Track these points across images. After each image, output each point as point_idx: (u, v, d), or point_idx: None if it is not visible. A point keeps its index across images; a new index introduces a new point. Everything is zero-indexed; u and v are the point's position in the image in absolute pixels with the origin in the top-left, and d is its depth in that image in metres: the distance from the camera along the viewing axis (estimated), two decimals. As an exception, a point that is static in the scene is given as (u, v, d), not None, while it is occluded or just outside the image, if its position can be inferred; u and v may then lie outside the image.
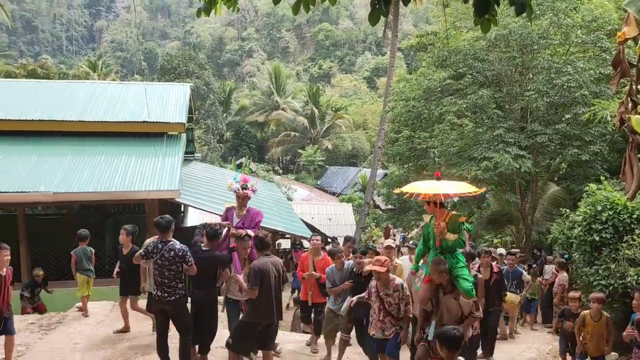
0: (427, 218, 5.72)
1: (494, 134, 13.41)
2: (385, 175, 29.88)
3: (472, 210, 16.24)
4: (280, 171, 49.86)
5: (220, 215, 7.87)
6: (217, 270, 6.41)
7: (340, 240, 17.30)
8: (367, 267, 6.22)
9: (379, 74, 66.25)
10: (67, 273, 11.83)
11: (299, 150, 48.95)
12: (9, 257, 6.45)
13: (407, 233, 24.79)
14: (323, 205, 30.67)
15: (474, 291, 5.31)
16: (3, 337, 6.55)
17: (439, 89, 15.91)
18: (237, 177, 7.27)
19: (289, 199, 28.96)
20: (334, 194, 41.35)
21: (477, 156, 13.52)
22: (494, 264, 8.14)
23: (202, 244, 6.35)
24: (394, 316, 5.83)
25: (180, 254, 5.96)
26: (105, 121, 13.51)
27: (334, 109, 52.37)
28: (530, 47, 13.94)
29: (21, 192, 10.94)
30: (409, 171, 20.49)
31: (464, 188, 5.59)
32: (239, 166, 40.17)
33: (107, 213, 16.89)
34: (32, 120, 13.05)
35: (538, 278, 11.43)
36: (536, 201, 15.01)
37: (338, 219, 27.87)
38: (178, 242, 6.13)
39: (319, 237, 8.01)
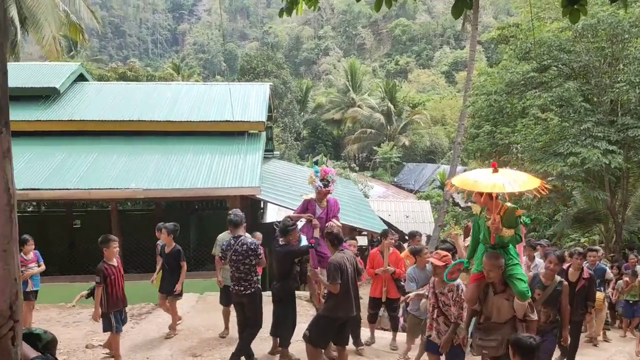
0: (476, 209, 5.22)
1: (581, 128, 12.83)
2: (465, 171, 29.18)
3: (557, 207, 15.61)
4: (357, 168, 49.81)
5: (294, 210, 8.02)
6: (294, 263, 6.63)
7: (423, 238, 17.16)
8: (429, 260, 5.95)
9: (458, 68, 64.74)
10: (155, 266, 12.49)
11: (375, 147, 48.71)
12: (118, 248, 6.85)
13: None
14: (400, 203, 30.39)
15: (529, 292, 4.84)
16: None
17: (522, 82, 15.39)
18: (318, 169, 7.39)
19: (366, 196, 28.93)
20: (411, 191, 40.87)
21: (563, 152, 12.99)
22: (585, 267, 7.64)
23: (280, 239, 6.56)
24: (448, 317, 5.45)
25: (252, 247, 6.32)
26: (190, 121, 14.07)
27: (411, 105, 51.72)
28: (621, 36, 13.21)
29: (114, 188, 11.64)
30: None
31: (527, 182, 4.88)
32: (316, 163, 40.54)
33: (192, 209, 17.60)
34: (124, 120, 13.81)
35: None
36: (627, 198, 14.24)
37: (416, 216, 27.52)
38: (249, 237, 6.52)
39: (396, 236, 8.01)
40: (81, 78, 16.26)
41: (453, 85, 63.30)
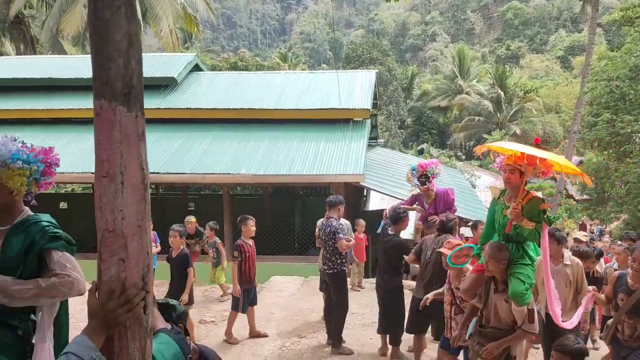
0: (495, 192, 4.65)
1: None
2: (581, 162, 27.46)
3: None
4: (463, 157, 48.49)
5: (403, 201, 7.91)
6: (401, 257, 6.37)
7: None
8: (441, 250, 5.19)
9: (574, 53, 60.86)
10: (262, 249, 12.94)
11: (484, 136, 47.08)
12: (255, 227, 7.07)
13: (604, 226, 22.64)
14: (509, 193, 29.17)
15: (528, 298, 4.03)
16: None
17: (649, 66, 14.19)
18: (414, 166, 7.07)
19: (473, 186, 28.09)
20: (521, 181, 39.11)
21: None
22: None
23: (390, 228, 6.46)
24: None
25: (333, 230, 6.48)
26: (298, 109, 14.36)
27: (522, 92, 49.36)
28: None
29: (226, 173, 12.18)
30: (609, 158, 18.61)
31: (569, 165, 4.29)
32: (420, 152, 39.94)
33: (297, 194, 18.03)
34: (235, 108, 14.37)
35: None
36: None
37: (526, 207, 26.31)
38: (335, 220, 6.59)
39: None
40: (196, 68, 17.08)
41: (569, 71, 59.64)
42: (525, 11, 79.74)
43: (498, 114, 47.79)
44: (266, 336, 7.24)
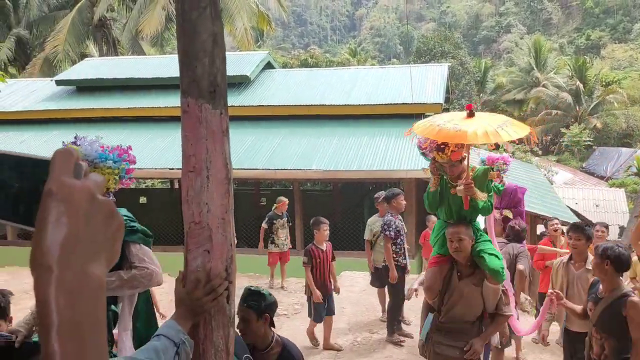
0: (430, 174, 4.18)
1: None
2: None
3: None
4: (540, 152, 46.69)
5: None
6: None
7: (613, 229, 15.62)
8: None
9: (662, 41, 57.33)
10: (337, 244, 13.04)
11: (562, 130, 45.17)
12: (328, 232, 6.87)
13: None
14: (589, 190, 27.93)
15: (504, 274, 3.79)
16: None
17: None
18: (484, 157, 6.90)
19: (550, 182, 27.07)
20: (602, 177, 37.30)
21: None
22: None
23: None
24: None
25: (384, 226, 6.94)
26: (368, 104, 14.33)
27: (604, 83, 46.93)
28: None
29: (297, 169, 12.35)
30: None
31: (515, 126, 4.00)
32: (496, 147, 38.84)
33: (366, 190, 18.00)
34: (306, 105, 14.53)
35: None
36: None
37: (607, 205, 25.11)
38: (389, 215, 6.99)
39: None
40: (268, 66, 17.38)
41: (656, 61, 56.22)
42: (607, -1, 75.84)
43: (577, 107, 45.67)
44: (341, 350, 6.89)
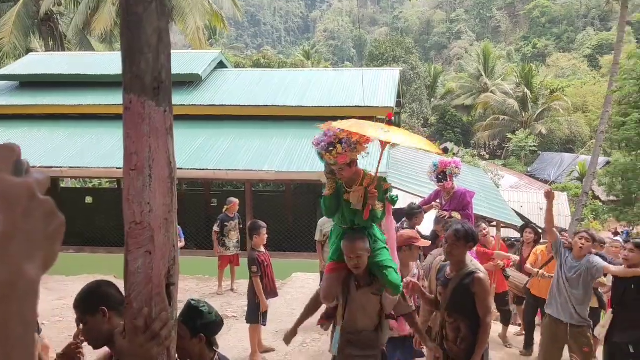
0: (330, 185, 3.96)
1: None
2: (608, 163, 27.04)
3: None
4: (487, 156, 47.98)
5: (423, 198, 7.91)
6: None
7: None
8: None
9: (603, 52, 59.75)
10: (284, 245, 13.00)
11: (509, 135, 46.52)
12: (267, 235, 6.66)
13: (631, 228, 22.23)
14: (534, 194, 28.80)
15: (401, 286, 3.76)
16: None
17: (681, 65, 13.90)
18: (436, 161, 6.98)
19: (496, 185, 27.81)
20: (546, 182, 38.60)
21: None
22: None
23: (406, 224, 6.48)
24: None
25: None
26: (321, 106, 14.36)
27: (549, 91, 48.63)
28: None
29: (249, 170, 12.26)
30: (637, 159, 18.29)
31: (422, 141, 4.22)
32: (445, 151, 39.63)
33: (319, 192, 18.03)
34: (259, 105, 14.44)
35: None
36: None
37: (550, 208, 25.94)
38: None
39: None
40: (221, 65, 17.18)
41: (597, 70, 58.60)
42: (553, 9, 78.57)
43: (523, 113, 47.15)
44: (273, 350, 6.86)
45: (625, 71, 18.38)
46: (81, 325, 2.46)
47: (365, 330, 3.81)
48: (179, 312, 2.17)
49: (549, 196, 5.75)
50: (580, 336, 5.26)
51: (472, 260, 4.09)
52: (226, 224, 9.94)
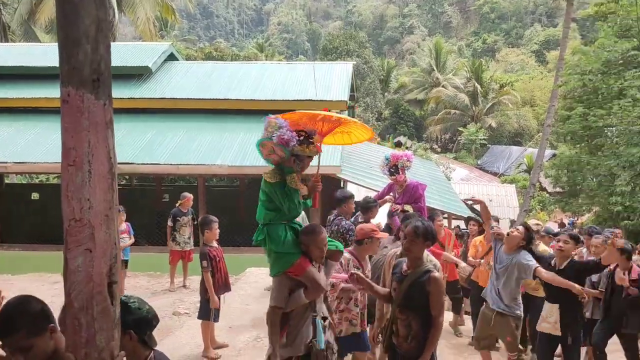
0: (271, 175, 3.86)
1: (687, 110, 11.91)
2: (554, 155, 27.97)
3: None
4: (439, 150, 48.89)
5: (377, 192, 7.96)
6: None
7: (504, 223, 16.62)
8: None
9: (550, 47, 61.71)
10: (237, 241, 12.90)
11: (460, 129, 47.51)
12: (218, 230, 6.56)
13: (576, 218, 23.06)
14: (484, 186, 29.59)
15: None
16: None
17: (621, 61, 14.51)
18: (388, 155, 7.05)
19: (448, 178, 28.37)
20: (495, 174, 39.66)
21: (665, 135, 12.13)
22: (635, 265, 5.85)
23: (360, 217, 6.50)
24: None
25: (341, 230, 5.76)
26: (274, 99, 14.29)
27: (498, 85, 49.88)
28: None
29: (201, 164, 12.09)
30: (582, 151, 18.96)
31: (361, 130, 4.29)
32: (398, 144, 40.15)
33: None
34: (211, 99, 14.24)
35: None
36: None
37: (499, 200, 26.71)
38: (345, 220, 6.02)
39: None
40: (171, 57, 16.85)
41: (544, 65, 60.49)
42: (502, 5, 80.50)
43: (474, 107, 48.21)
44: (226, 346, 6.78)
45: (570, 66, 18.97)
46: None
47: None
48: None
49: (477, 202, 5.91)
50: (504, 325, 5.33)
51: (429, 258, 4.09)
52: (178, 218, 9.80)
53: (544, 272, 5.10)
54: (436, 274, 3.79)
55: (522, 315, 5.53)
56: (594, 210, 20.04)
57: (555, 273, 5.04)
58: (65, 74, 1.72)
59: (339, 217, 6.24)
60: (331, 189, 16.08)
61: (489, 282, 5.67)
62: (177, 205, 10.01)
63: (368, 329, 5.00)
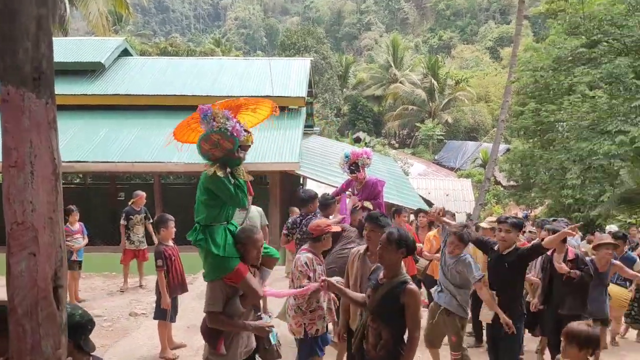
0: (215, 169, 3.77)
1: (632, 105, 12.34)
2: (508, 150, 28.66)
3: (603, 188, 15.17)
4: (397, 145, 49.43)
5: (336, 187, 7.99)
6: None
7: (459, 217, 16.93)
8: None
9: (503, 44, 62.99)
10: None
11: (417, 124, 48.13)
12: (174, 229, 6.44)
13: (529, 211, 23.69)
14: (440, 181, 30.09)
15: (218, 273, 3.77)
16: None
17: (570, 58, 14.93)
18: (348, 152, 7.02)
19: (406, 173, 28.72)
20: (452, 169, 40.38)
21: (611, 130, 12.54)
22: (570, 247, 6.07)
23: (320, 214, 6.50)
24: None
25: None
26: (232, 95, 14.13)
27: (454, 81, 50.70)
28: (678, 9, 12.61)
29: (157, 162, 11.89)
30: (534, 146, 19.49)
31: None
32: (357, 140, 40.39)
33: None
34: (167, 95, 14.01)
35: None
36: (679, 180, 13.69)
37: (456, 194, 27.23)
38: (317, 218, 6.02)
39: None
40: (125, 53, 16.51)
41: (498, 62, 61.74)
42: (457, 2, 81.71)
43: (431, 103, 48.89)
44: (184, 346, 6.69)
45: (522, 63, 19.42)
46: None
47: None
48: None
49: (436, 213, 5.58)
50: (449, 323, 5.30)
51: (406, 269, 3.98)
52: (131, 217, 9.62)
53: (484, 290, 5.08)
54: (413, 286, 3.62)
55: (469, 315, 5.54)
56: (546, 203, 20.66)
57: (498, 257, 4.99)
58: (4, 72, 1.67)
59: (308, 217, 6.28)
60: (291, 185, 16.11)
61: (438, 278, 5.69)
62: (130, 203, 9.82)
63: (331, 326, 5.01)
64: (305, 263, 4.62)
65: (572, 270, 5.71)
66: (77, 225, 8.83)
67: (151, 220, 9.74)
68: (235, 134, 3.69)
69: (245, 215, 7.22)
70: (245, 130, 3.81)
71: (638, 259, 7.15)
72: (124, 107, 13.97)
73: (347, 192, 7.23)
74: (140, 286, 9.77)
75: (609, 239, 6.46)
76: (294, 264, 4.75)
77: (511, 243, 4.99)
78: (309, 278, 4.56)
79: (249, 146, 3.88)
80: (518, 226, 5.09)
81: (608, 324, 6.52)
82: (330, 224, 4.98)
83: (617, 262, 6.42)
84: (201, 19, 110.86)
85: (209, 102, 12.88)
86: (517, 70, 19.70)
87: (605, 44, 14.19)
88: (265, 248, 3.91)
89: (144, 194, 9.87)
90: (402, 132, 54.37)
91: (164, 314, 6.31)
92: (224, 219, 3.85)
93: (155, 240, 9.49)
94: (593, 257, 6.49)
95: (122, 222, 9.65)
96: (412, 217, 15.00)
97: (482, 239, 5.46)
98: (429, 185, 27.84)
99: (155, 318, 6.43)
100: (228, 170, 3.80)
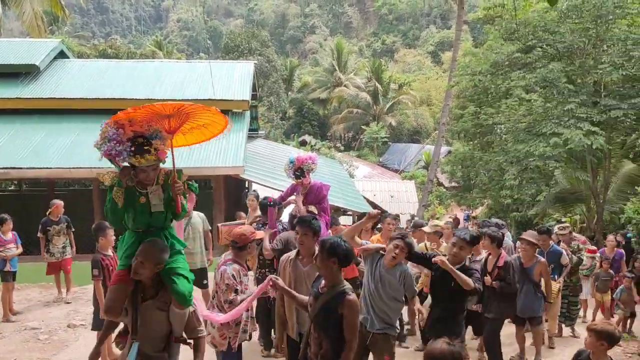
0: (112, 185, 3.54)
1: (565, 109, 12.85)
2: (449, 152, 29.38)
3: (539, 187, 15.75)
4: (342, 148, 49.82)
5: (282, 192, 7.94)
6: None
7: (404, 218, 17.20)
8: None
9: (444, 48, 64.60)
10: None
11: (362, 127, 48.69)
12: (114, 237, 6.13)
13: (471, 211, 24.35)
14: (385, 183, 30.51)
15: (192, 298, 3.55)
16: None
17: (507, 62, 15.45)
18: (293, 158, 6.95)
19: (351, 176, 28.96)
20: (396, 171, 41.04)
21: (546, 132, 13.03)
22: (503, 251, 6.14)
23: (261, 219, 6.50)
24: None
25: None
26: (173, 99, 13.86)
27: (397, 85, 51.58)
28: (605, 17, 13.19)
29: (95, 167, 11.50)
30: (474, 148, 20.05)
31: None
32: (302, 143, 40.45)
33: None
34: (105, 98, 13.63)
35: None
36: (609, 179, 14.35)
37: (400, 196, 27.68)
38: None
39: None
40: (62, 55, 15.98)
41: (439, 66, 63.25)
42: (399, 7, 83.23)
43: (375, 106, 49.56)
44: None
45: (461, 67, 19.93)
46: None
47: (158, 354, 3.53)
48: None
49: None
50: (384, 343, 4.65)
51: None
52: (49, 228, 8.99)
53: (417, 304, 5.03)
54: (351, 296, 3.53)
55: (399, 329, 5.32)
56: (486, 203, 21.27)
57: (444, 273, 4.60)
58: None
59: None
60: (236, 190, 15.95)
61: (361, 302, 4.69)
62: (47, 214, 9.16)
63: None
64: (233, 275, 4.32)
65: (492, 282, 5.82)
66: (10, 235, 8.43)
67: (73, 229, 9.30)
68: (110, 158, 3.47)
69: (187, 221, 7.12)
70: (137, 151, 3.43)
71: (564, 252, 7.39)
72: (60, 111, 13.51)
73: (291, 198, 7.18)
74: (63, 300, 9.28)
75: (529, 237, 6.55)
76: (219, 276, 4.40)
77: (461, 259, 4.75)
78: (236, 291, 4.30)
79: (152, 165, 3.55)
80: (472, 241, 4.87)
81: (540, 322, 6.66)
82: (253, 230, 4.82)
83: (543, 259, 6.60)
84: (142, 21, 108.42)
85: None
86: (457, 75, 20.19)
87: (539, 49, 14.74)
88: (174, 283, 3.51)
89: (60, 202, 9.25)
90: (347, 134, 54.86)
91: (102, 324, 6.08)
92: (135, 228, 3.65)
93: (73, 252, 9.20)
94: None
95: (39, 234, 9.04)
96: (350, 219, 15.13)
97: (420, 255, 5.10)
98: (374, 187, 28.18)
99: (93, 329, 6.21)
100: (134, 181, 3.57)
